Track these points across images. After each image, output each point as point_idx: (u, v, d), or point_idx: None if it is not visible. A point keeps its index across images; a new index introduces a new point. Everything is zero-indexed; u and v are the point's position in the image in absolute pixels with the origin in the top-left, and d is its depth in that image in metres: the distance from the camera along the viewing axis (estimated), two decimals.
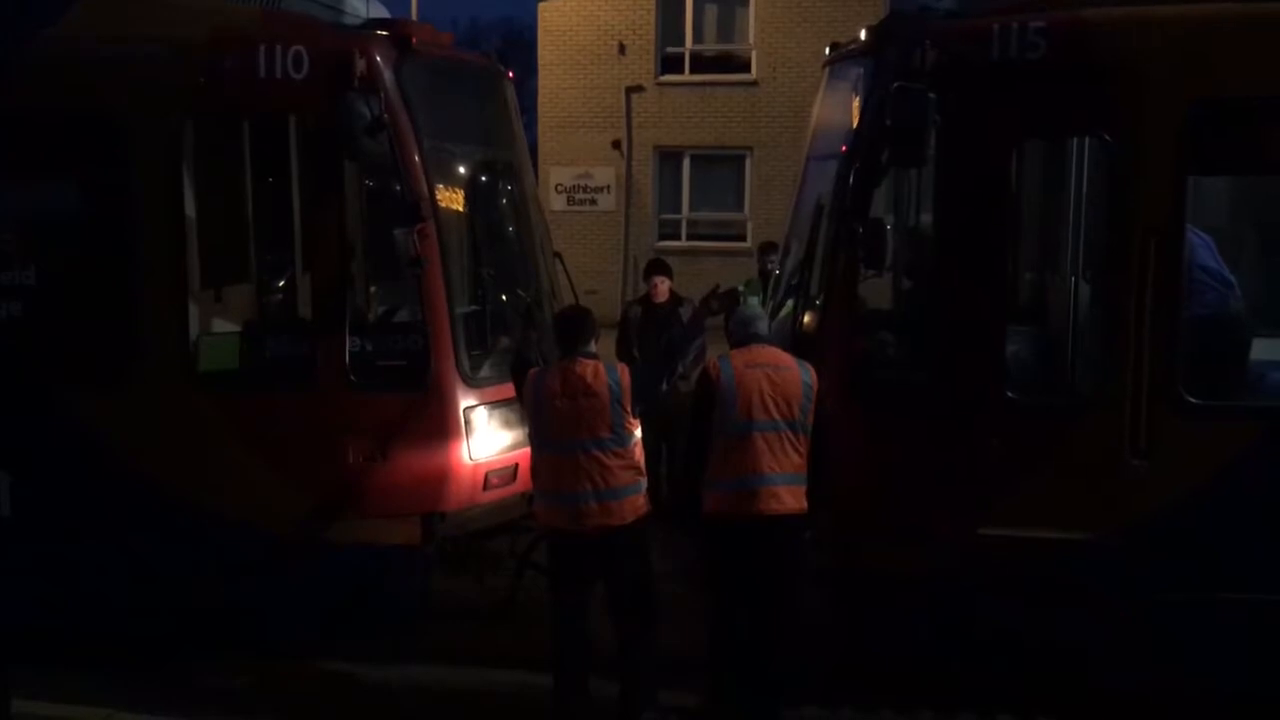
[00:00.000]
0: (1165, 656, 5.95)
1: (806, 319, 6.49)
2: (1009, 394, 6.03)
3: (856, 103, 6.30)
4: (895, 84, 5.79)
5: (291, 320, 7.65)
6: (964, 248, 6.06)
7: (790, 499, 5.69)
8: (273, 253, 8.02)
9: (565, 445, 5.67)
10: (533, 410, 5.82)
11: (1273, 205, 7.54)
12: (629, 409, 5.70)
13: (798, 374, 5.74)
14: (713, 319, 9.28)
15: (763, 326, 6.02)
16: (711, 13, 21.27)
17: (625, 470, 5.71)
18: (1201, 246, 6.22)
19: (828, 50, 7.25)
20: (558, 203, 20.75)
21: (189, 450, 6.65)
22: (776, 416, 5.67)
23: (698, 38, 21.26)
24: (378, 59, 6.39)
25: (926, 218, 6.26)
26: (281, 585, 6.67)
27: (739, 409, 5.66)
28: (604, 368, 5.74)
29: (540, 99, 21.44)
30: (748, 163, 20.82)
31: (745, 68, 20.92)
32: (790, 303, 6.89)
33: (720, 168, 21.23)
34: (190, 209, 6.69)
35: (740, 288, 9.80)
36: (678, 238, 21.20)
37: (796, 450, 5.71)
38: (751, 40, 20.86)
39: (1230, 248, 6.63)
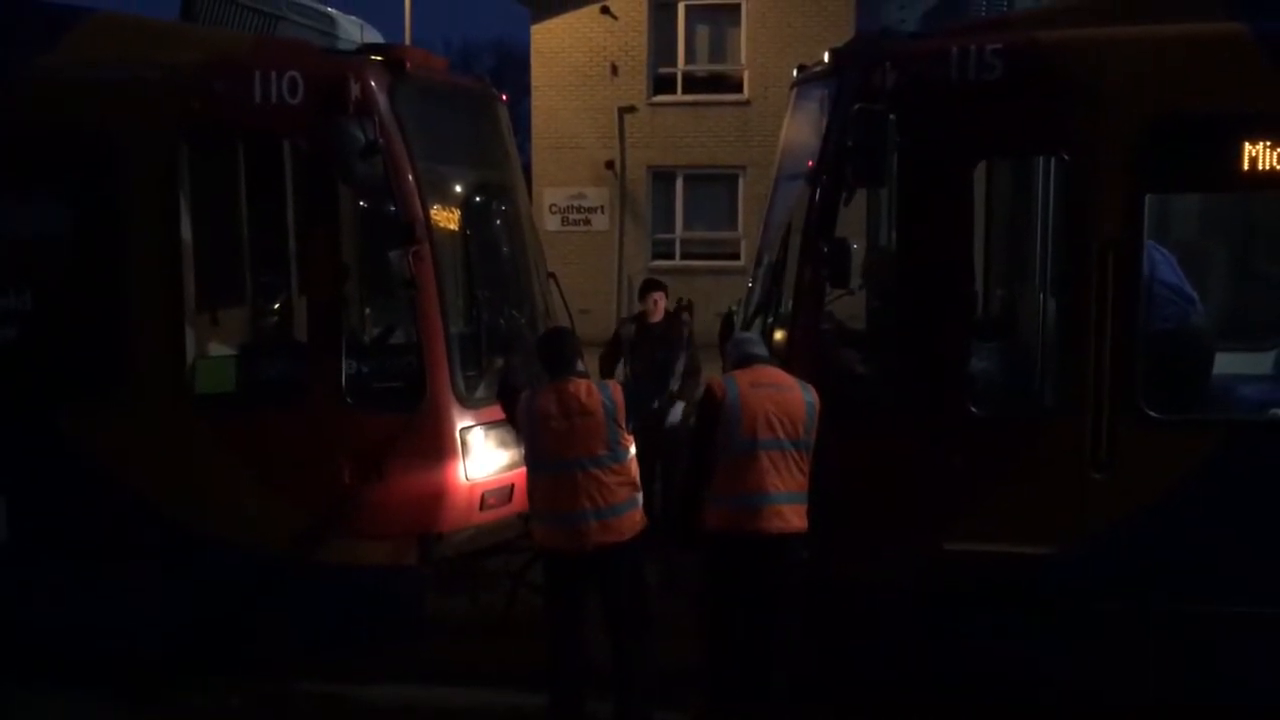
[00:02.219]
0: (1131, 669, 5.98)
1: (776, 336, 6.55)
2: (972, 408, 6.07)
3: (820, 123, 6.37)
4: (856, 105, 5.87)
5: (287, 342, 7.67)
6: (925, 265, 6.10)
7: (794, 517, 5.73)
8: (269, 275, 8.06)
9: (562, 465, 5.69)
10: (527, 432, 5.84)
11: (1238, 222, 7.61)
12: (624, 425, 5.74)
13: (800, 394, 5.80)
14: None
15: (762, 348, 6.08)
16: (703, 33, 21.42)
17: (622, 486, 5.74)
18: (1163, 262, 6.29)
19: (795, 72, 7.34)
20: (552, 223, 20.84)
21: (186, 472, 6.67)
22: (781, 436, 5.71)
23: (690, 58, 21.40)
24: (372, 84, 6.44)
25: (890, 236, 6.31)
26: (278, 605, 6.68)
27: (744, 428, 5.70)
28: (596, 386, 5.79)
29: (534, 120, 21.54)
30: (740, 182, 20.92)
31: (737, 88, 21.04)
32: (760, 320, 6.95)
33: (713, 187, 21.33)
34: (187, 233, 6.72)
35: (733, 308, 9.82)
36: (671, 257, 21.29)
37: (800, 469, 5.75)
38: (743, 60, 20.99)
39: (1197, 263, 6.68)
